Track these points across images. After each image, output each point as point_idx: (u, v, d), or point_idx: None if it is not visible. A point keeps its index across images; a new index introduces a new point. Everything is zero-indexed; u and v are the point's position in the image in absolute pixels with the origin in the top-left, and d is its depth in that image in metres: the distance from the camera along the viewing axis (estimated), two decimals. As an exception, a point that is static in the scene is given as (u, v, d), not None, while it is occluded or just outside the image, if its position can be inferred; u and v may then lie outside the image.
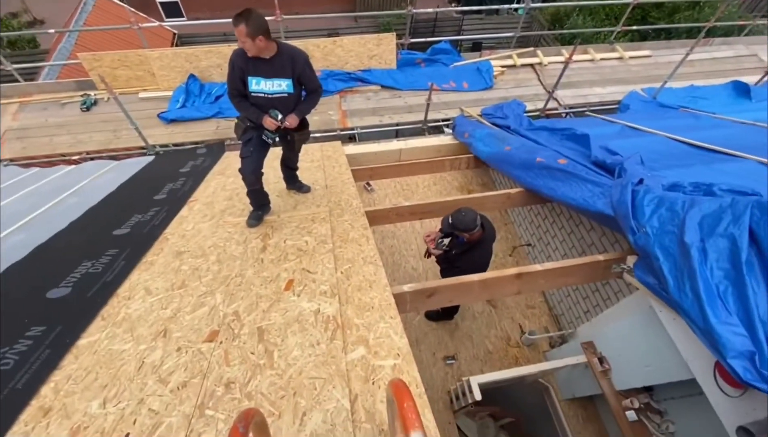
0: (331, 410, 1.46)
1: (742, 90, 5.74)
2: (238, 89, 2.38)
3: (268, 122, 2.39)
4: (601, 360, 3.00)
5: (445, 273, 3.26)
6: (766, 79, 6.05)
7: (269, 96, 2.38)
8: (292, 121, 2.44)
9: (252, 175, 2.55)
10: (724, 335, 1.56)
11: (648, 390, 2.98)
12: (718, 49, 7.38)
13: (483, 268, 3.00)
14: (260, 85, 2.34)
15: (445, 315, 4.09)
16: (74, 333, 1.94)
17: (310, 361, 1.68)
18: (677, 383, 2.44)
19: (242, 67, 2.29)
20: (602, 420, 3.51)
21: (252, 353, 1.75)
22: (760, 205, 1.68)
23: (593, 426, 3.47)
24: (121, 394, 1.58)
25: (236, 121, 2.60)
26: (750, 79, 6.09)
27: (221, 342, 1.82)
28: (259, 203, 2.83)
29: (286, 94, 2.41)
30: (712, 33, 7.90)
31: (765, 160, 2.89)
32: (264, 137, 2.50)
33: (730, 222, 1.75)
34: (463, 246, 3.05)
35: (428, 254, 3.34)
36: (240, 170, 2.54)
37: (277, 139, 2.54)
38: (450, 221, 2.91)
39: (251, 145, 2.49)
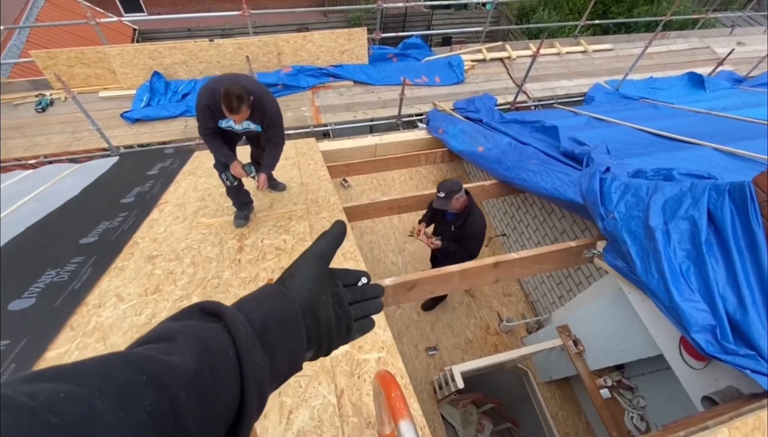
0: (318, 406, 1.46)
1: (696, 81, 6.06)
2: (209, 127, 2.30)
3: (237, 170, 2.40)
4: (576, 342, 3.13)
5: (452, 259, 3.13)
6: (719, 69, 6.42)
7: (239, 131, 2.40)
8: (262, 183, 2.48)
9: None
10: (688, 311, 1.66)
11: (619, 368, 3.14)
12: (674, 42, 7.75)
13: (484, 232, 3.09)
14: (230, 123, 2.30)
15: (439, 298, 4.18)
16: (41, 346, 1.84)
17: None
18: (646, 360, 2.59)
19: (213, 110, 2.19)
20: (578, 399, 3.67)
21: (233, 355, 1.71)
22: (717, 187, 1.79)
23: (570, 406, 3.62)
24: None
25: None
26: (704, 71, 6.45)
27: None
28: (242, 202, 2.77)
29: (254, 132, 2.43)
30: (668, 27, 8.29)
31: (720, 146, 3.08)
32: (223, 176, 2.51)
33: (690, 205, 1.86)
34: (458, 220, 3.07)
35: (432, 254, 3.35)
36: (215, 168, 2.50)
37: (236, 183, 2.58)
38: (438, 193, 2.91)
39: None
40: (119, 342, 1.83)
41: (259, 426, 1.37)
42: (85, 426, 0.25)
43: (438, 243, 3.15)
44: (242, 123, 2.27)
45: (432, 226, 3.46)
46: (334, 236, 0.54)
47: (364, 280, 0.57)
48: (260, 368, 0.38)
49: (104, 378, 0.28)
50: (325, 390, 1.52)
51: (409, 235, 3.33)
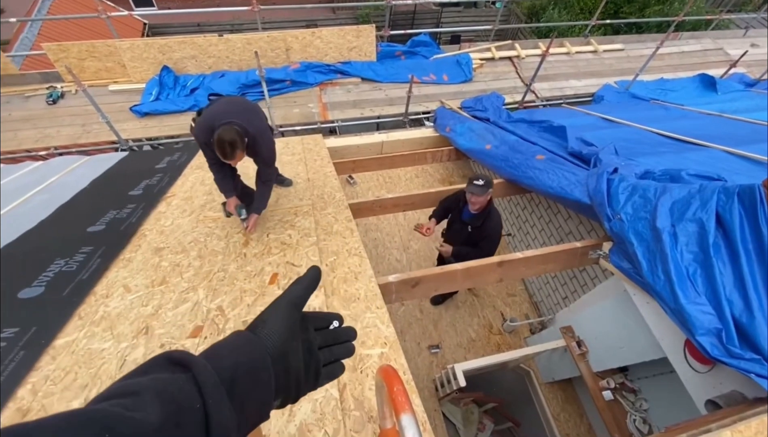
0: (320, 400, 1.47)
1: (708, 82, 5.99)
2: (215, 158, 2.22)
3: (231, 208, 2.46)
4: (579, 343, 3.11)
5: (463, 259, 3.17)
6: (731, 72, 6.33)
7: None
8: (251, 226, 2.48)
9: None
10: (694, 314, 1.65)
11: (623, 370, 3.12)
12: (686, 43, 7.66)
13: (501, 233, 3.03)
14: None
15: (449, 293, 4.18)
16: (50, 334, 1.87)
17: (298, 353, 1.67)
18: (650, 362, 2.57)
19: (211, 148, 2.12)
20: (580, 400, 3.65)
21: (238, 347, 1.73)
22: (726, 190, 1.77)
23: (572, 407, 3.61)
24: (103, 393, 1.54)
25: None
26: (716, 72, 6.37)
27: (206, 338, 1.80)
28: (248, 203, 2.78)
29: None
30: (680, 27, 8.19)
31: (730, 148, 3.04)
32: (223, 207, 2.60)
33: (698, 208, 1.84)
34: (477, 220, 2.99)
35: (439, 255, 3.28)
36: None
37: (231, 216, 2.63)
38: (475, 180, 2.80)
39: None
40: (126, 331, 1.85)
41: (262, 417, 1.39)
42: None
43: (448, 249, 3.08)
44: None
45: (441, 227, 3.40)
46: (308, 281, 0.54)
47: (335, 324, 0.58)
48: (227, 421, 0.38)
49: (68, 431, 0.29)
50: (328, 384, 1.53)
51: (415, 229, 3.24)
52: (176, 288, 2.14)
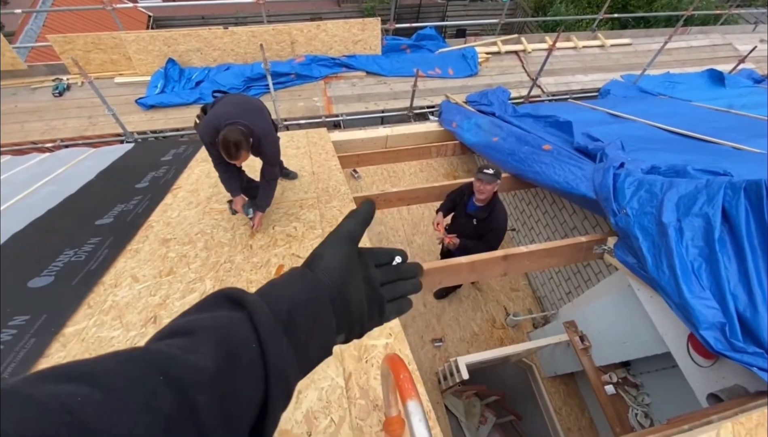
0: (326, 388, 1.49)
1: (717, 78, 5.92)
2: (220, 158, 2.22)
3: (237, 207, 2.51)
4: (582, 338, 3.12)
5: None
6: (739, 67, 6.26)
7: None
8: (257, 224, 2.51)
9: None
10: (698, 308, 1.66)
11: (625, 365, 3.13)
12: (694, 38, 7.57)
13: (506, 226, 3.04)
14: None
15: (452, 287, 4.20)
16: (59, 322, 1.91)
17: (304, 343, 1.70)
18: (652, 357, 2.58)
19: (217, 148, 2.12)
20: (582, 395, 3.67)
21: (245, 336, 1.76)
22: (733, 185, 1.77)
23: (574, 401, 3.63)
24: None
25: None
26: (724, 68, 6.30)
27: (213, 327, 1.82)
28: (254, 195, 2.80)
29: None
30: (689, 22, 8.09)
31: (738, 144, 3.02)
32: (229, 205, 2.65)
33: (704, 202, 1.84)
34: (482, 212, 3.00)
35: (445, 248, 3.28)
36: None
37: (237, 214, 2.66)
38: (485, 169, 2.81)
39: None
40: (135, 320, 1.88)
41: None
42: (98, 431, 0.24)
43: (456, 241, 3.09)
44: None
45: (447, 221, 3.41)
46: (363, 216, 0.51)
47: (398, 259, 0.54)
48: (285, 359, 0.37)
49: (123, 379, 0.28)
50: (333, 373, 1.55)
51: (438, 235, 3.27)
52: (183, 278, 2.17)
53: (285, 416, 1.41)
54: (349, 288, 0.45)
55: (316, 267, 0.45)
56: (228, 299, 0.39)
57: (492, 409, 3.82)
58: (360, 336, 0.49)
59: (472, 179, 3.57)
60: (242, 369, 0.34)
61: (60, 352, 1.73)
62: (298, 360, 0.39)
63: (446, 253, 3.80)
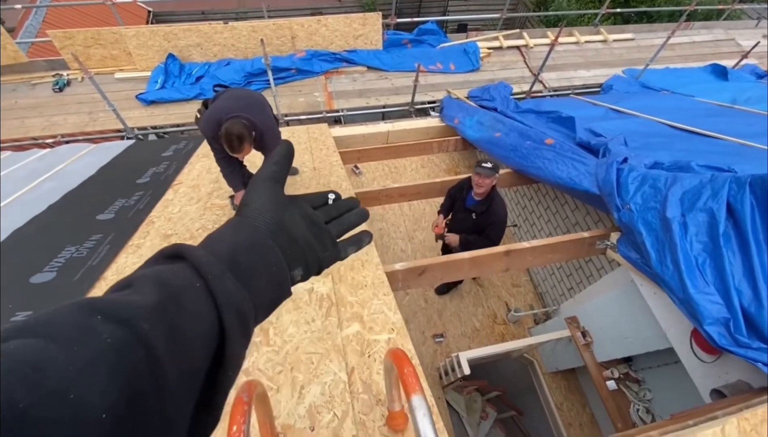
0: (329, 382, 1.49)
1: (720, 73, 5.89)
2: (223, 152, 2.23)
3: (239, 201, 2.41)
4: (584, 333, 3.12)
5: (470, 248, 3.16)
6: (742, 63, 6.22)
7: None
8: None
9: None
10: (702, 303, 1.65)
11: (627, 360, 3.13)
12: (697, 33, 7.52)
13: (506, 219, 3.03)
14: None
15: (454, 283, 4.22)
16: (62, 317, 1.90)
17: (306, 338, 1.70)
18: (654, 353, 2.58)
19: (219, 142, 2.13)
20: (584, 390, 3.68)
21: (247, 332, 1.75)
22: (738, 180, 1.76)
23: (575, 397, 3.64)
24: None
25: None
26: (727, 64, 6.25)
27: (215, 322, 1.82)
28: None
29: None
30: (692, 17, 8.03)
31: (741, 140, 3.00)
32: (231, 200, 2.65)
33: (709, 197, 1.83)
34: (481, 206, 2.98)
35: (444, 244, 3.31)
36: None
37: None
38: (483, 163, 2.81)
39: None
40: (137, 315, 1.88)
41: (272, 399, 1.41)
42: (38, 367, 0.23)
43: (455, 237, 3.09)
44: None
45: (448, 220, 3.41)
46: (281, 155, 0.51)
47: (332, 196, 0.54)
48: (233, 293, 0.36)
49: (53, 324, 0.27)
50: (336, 368, 1.55)
51: (438, 239, 3.29)
52: (185, 273, 2.16)
53: (288, 410, 1.41)
54: (286, 223, 0.45)
55: (246, 213, 0.44)
56: (165, 256, 0.38)
57: (493, 405, 3.82)
58: (319, 270, 0.48)
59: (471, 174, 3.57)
60: (187, 304, 0.33)
61: (62, 347, 1.72)
62: (252, 297, 0.38)
63: (446, 250, 3.79)
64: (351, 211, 0.55)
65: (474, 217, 3.04)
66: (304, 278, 0.46)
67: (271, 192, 0.47)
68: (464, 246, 3.01)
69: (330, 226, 0.51)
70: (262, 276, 0.40)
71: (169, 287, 0.33)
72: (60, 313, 0.28)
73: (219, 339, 0.34)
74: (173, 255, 0.38)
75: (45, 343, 0.25)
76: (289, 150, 0.52)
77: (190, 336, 0.32)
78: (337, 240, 0.51)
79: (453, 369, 3.18)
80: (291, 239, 0.45)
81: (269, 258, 0.42)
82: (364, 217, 0.55)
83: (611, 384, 2.99)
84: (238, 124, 1.97)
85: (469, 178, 3.07)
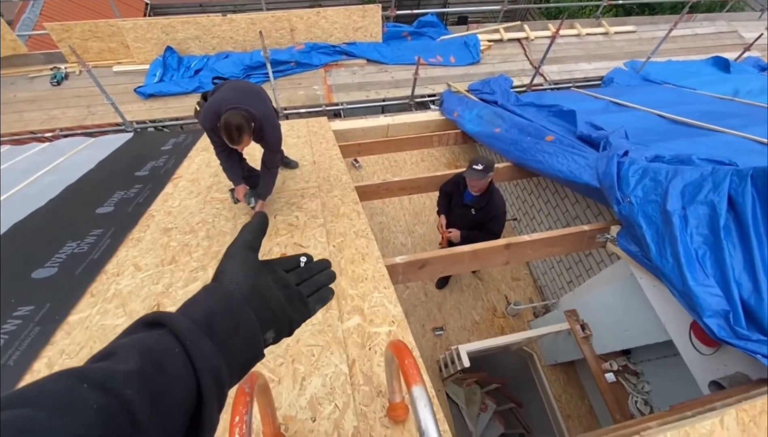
0: (330, 374, 1.50)
1: (722, 65, 5.85)
2: (223, 145, 2.23)
3: (240, 195, 2.48)
4: (583, 326, 3.14)
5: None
6: (745, 55, 6.18)
7: None
8: (260, 207, 2.50)
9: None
10: (702, 296, 1.66)
11: (626, 353, 3.15)
12: (700, 25, 7.46)
13: (506, 211, 3.01)
14: None
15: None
16: (63, 310, 1.91)
17: (307, 330, 1.70)
18: (653, 345, 2.59)
19: (218, 134, 2.11)
20: (582, 382, 3.70)
21: (248, 324, 1.76)
22: (739, 172, 1.75)
23: (573, 389, 3.66)
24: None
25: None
26: (730, 56, 6.21)
27: (216, 315, 1.83)
28: (255, 184, 2.79)
29: None
30: (695, 8, 7.96)
31: (743, 133, 2.99)
32: (231, 194, 2.61)
33: (710, 190, 1.82)
34: (480, 202, 2.96)
35: (447, 242, 3.31)
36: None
37: (239, 202, 2.63)
38: (474, 165, 2.75)
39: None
40: (138, 308, 1.89)
41: (273, 391, 1.42)
42: (29, 434, 0.25)
43: (457, 234, 3.06)
44: None
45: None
46: (256, 226, 0.55)
47: (303, 259, 0.58)
48: (211, 357, 0.38)
49: (42, 393, 0.28)
50: (337, 360, 1.56)
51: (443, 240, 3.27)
52: (186, 267, 2.17)
53: (289, 401, 1.42)
54: (260, 288, 0.48)
55: (222, 279, 0.47)
56: (143, 324, 0.40)
57: (492, 397, 3.85)
58: (290, 331, 0.51)
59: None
60: (167, 369, 0.35)
61: (64, 340, 1.73)
62: (227, 361, 0.40)
63: (447, 243, 3.79)
64: (322, 271, 0.60)
65: (473, 213, 3.03)
66: (276, 340, 0.49)
67: (245, 259, 0.50)
68: (466, 242, 3.01)
69: (301, 287, 0.55)
70: (237, 340, 0.43)
71: (150, 353, 0.35)
72: (48, 383, 0.30)
73: (196, 402, 0.37)
74: (153, 322, 0.40)
75: (34, 412, 0.26)
76: (263, 220, 0.57)
77: (170, 401, 0.34)
78: (308, 298, 0.55)
79: (453, 362, 3.19)
80: (264, 303, 0.47)
81: (244, 323, 0.44)
82: (332, 278, 0.61)
83: (610, 377, 3.01)
84: (237, 115, 1.96)
85: (461, 173, 3.05)
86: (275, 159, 2.41)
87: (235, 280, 0.47)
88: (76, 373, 0.31)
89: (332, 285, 0.60)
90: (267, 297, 0.48)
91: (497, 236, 2.98)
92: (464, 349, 3.04)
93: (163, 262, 2.22)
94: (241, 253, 0.50)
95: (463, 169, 3.35)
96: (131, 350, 0.35)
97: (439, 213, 3.37)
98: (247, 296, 0.46)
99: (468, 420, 3.51)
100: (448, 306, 4.19)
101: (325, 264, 0.61)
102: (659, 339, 2.44)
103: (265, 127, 2.17)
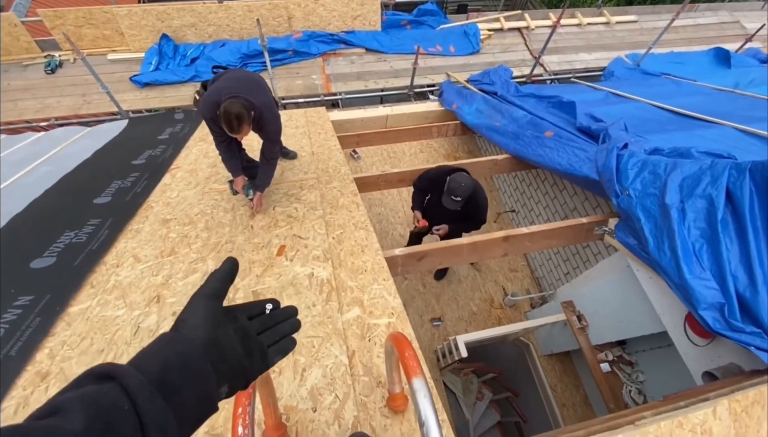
0: (330, 365, 1.52)
1: (723, 57, 5.81)
2: (223, 135, 2.21)
3: (238, 187, 2.47)
4: (580, 317, 3.17)
5: (457, 234, 3.20)
6: (746, 46, 6.14)
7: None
8: (256, 204, 2.49)
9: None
10: (697, 289, 1.68)
11: (621, 343, 3.19)
12: (702, 15, 7.39)
13: (486, 198, 3.01)
14: None
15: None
16: (64, 301, 1.92)
17: (307, 322, 1.72)
18: (648, 336, 2.63)
19: (218, 123, 2.09)
20: (578, 372, 3.76)
21: (248, 316, 1.77)
22: (738, 166, 1.76)
23: (569, 378, 3.72)
24: (120, 358, 1.59)
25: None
26: (731, 47, 6.16)
27: (216, 307, 1.83)
28: (254, 175, 2.77)
29: None
30: (697, -2, 7.89)
31: (742, 125, 2.99)
32: (230, 185, 2.61)
33: (708, 184, 1.83)
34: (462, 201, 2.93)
35: (415, 234, 3.32)
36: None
37: (238, 194, 2.62)
38: (454, 197, 2.76)
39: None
40: (138, 300, 1.89)
41: (274, 382, 1.43)
42: None
43: (444, 228, 3.07)
44: None
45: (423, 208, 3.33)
46: (224, 273, 0.54)
47: (269, 307, 0.57)
48: (162, 415, 0.37)
49: None
50: (337, 351, 1.57)
51: (413, 231, 3.27)
52: (185, 258, 2.17)
53: (290, 392, 1.44)
54: (220, 341, 0.47)
55: (182, 328, 0.46)
56: (93, 376, 0.39)
57: (489, 386, 3.91)
58: (245, 385, 0.50)
59: (472, 160, 3.54)
60: (116, 428, 0.34)
61: (65, 331, 1.74)
62: (177, 416, 0.39)
63: (417, 239, 3.81)
64: (287, 320, 0.58)
65: (458, 209, 3.01)
66: (229, 395, 0.48)
67: (208, 309, 0.49)
68: (455, 232, 3.08)
69: (262, 337, 0.54)
70: (191, 394, 0.42)
71: (98, 410, 0.34)
72: None
73: None
74: (103, 375, 0.39)
75: None
76: (233, 267, 0.55)
77: None
78: (268, 348, 0.54)
79: (450, 352, 3.23)
80: (222, 356, 0.46)
81: (200, 376, 0.43)
82: (296, 327, 0.59)
83: (605, 367, 3.06)
84: (236, 103, 1.95)
85: (437, 172, 3.06)
86: (274, 150, 2.39)
87: (195, 331, 0.46)
88: (19, 432, 0.30)
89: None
90: (226, 349, 0.47)
91: (483, 222, 3.06)
92: (462, 340, 3.08)
93: (163, 254, 2.22)
94: (205, 302, 0.49)
95: (463, 160, 3.35)
96: (78, 406, 0.34)
97: (413, 208, 3.33)
98: (206, 347, 0.45)
99: (465, 409, 3.56)
100: (446, 297, 4.22)
101: (290, 311, 0.60)
102: (654, 330, 2.48)
103: (265, 115, 2.16)
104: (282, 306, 0.59)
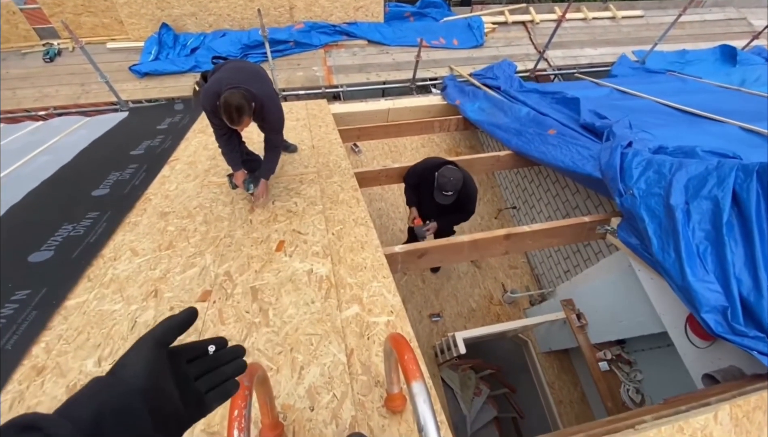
0: (328, 364, 1.50)
1: (729, 54, 5.73)
2: (223, 128, 2.18)
3: (239, 181, 2.43)
4: (579, 316, 3.16)
5: (453, 225, 3.31)
6: (753, 44, 6.06)
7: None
8: (262, 192, 2.46)
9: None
10: (700, 291, 1.66)
11: (620, 342, 3.19)
12: (709, 12, 7.29)
13: (476, 189, 3.06)
14: None
15: None
16: (60, 295, 1.90)
17: (306, 319, 1.70)
18: (648, 336, 2.62)
19: (218, 114, 2.05)
20: (576, 370, 3.76)
21: (246, 312, 1.76)
22: (745, 167, 1.73)
23: (567, 376, 3.73)
24: (116, 353, 1.58)
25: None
26: (738, 44, 6.08)
27: (215, 302, 1.82)
28: (253, 168, 2.74)
29: None
30: (704, -7, 7.76)
31: (747, 124, 2.95)
32: (229, 179, 2.57)
33: (714, 185, 1.80)
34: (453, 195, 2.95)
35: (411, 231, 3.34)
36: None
37: (237, 188, 2.59)
38: (445, 192, 2.80)
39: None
40: (136, 294, 1.88)
41: (271, 380, 1.42)
42: None
43: (434, 224, 3.11)
44: None
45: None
46: (179, 322, 0.52)
47: (212, 348, 0.55)
48: None
49: None
50: (336, 349, 1.56)
51: (411, 226, 3.29)
52: (183, 252, 2.15)
53: (287, 390, 1.43)
54: (158, 391, 0.46)
55: (122, 374, 0.45)
56: (17, 428, 0.36)
57: (487, 382, 3.92)
58: (180, 433, 0.48)
59: (474, 156, 3.51)
60: None
61: (62, 325, 1.73)
62: None
63: (413, 236, 3.78)
64: (232, 361, 0.56)
65: (450, 203, 3.02)
66: None
67: (151, 357, 0.47)
68: (448, 224, 3.18)
69: (201, 382, 0.52)
70: None
71: None
72: None
73: None
74: (27, 426, 0.36)
75: None
76: (189, 317, 0.52)
77: None
78: (208, 392, 0.52)
79: (449, 348, 3.23)
80: (159, 407, 0.45)
81: (135, 427, 0.41)
82: (241, 369, 0.57)
83: (603, 365, 3.06)
84: (237, 94, 1.92)
85: (424, 166, 3.08)
86: (278, 139, 2.37)
87: (133, 379, 0.44)
88: None
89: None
90: (164, 400, 0.46)
91: (472, 212, 3.11)
92: (460, 336, 3.07)
93: (161, 247, 2.20)
94: (150, 349, 0.48)
95: (465, 156, 3.32)
96: None
97: (408, 205, 3.34)
98: (145, 398, 0.43)
99: (462, 404, 3.57)
100: (445, 293, 4.21)
101: (237, 351, 0.58)
102: (654, 330, 2.47)
103: (266, 106, 2.13)
104: (232, 343, 0.57)
